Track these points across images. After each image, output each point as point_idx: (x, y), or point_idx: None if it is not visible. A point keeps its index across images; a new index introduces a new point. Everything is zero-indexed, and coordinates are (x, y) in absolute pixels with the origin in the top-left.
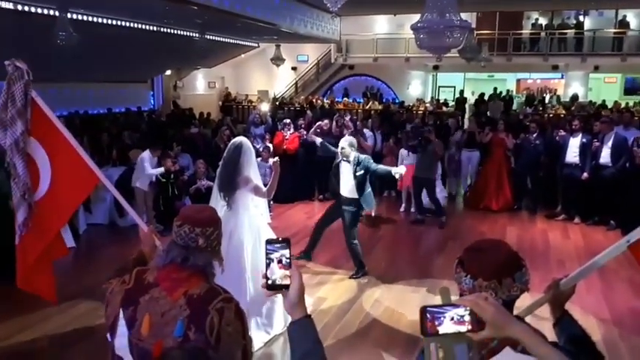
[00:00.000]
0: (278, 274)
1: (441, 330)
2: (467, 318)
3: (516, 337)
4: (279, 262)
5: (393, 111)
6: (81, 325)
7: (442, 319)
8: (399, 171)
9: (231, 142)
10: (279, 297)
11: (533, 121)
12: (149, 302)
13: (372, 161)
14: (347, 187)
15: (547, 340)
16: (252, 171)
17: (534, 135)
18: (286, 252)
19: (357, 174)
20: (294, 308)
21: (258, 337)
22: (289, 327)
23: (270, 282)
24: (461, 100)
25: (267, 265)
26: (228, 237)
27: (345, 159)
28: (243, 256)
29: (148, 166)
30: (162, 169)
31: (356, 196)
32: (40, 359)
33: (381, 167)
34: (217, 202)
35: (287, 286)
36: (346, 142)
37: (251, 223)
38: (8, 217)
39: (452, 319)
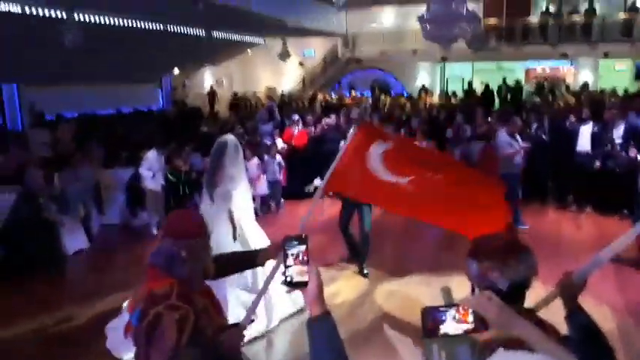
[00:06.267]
0: (296, 270)
1: (443, 331)
2: (470, 318)
3: (521, 335)
4: (297, 258)
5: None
6: (98, 324)
7: (444, 319)
8: None
9: (217, 140)
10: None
11: (531, 110)
12: (138, 287)
13: None
14: None
15: (559, 334)
16: (236, 169)
17: (535, 125)
18: (304, 249)
19: None
20: (313, 304)
21: None
22: (308, 323)
23: (288, 279)
24: (470, 92)
25: (285, 262)
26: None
27: None
28: (222, 247)
29: (144, 170)
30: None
31: None
32: (55, 353)
33: None
34: (205, 198)
35: (306, 283)
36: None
37: (233, 218)
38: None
39: (454, 319)
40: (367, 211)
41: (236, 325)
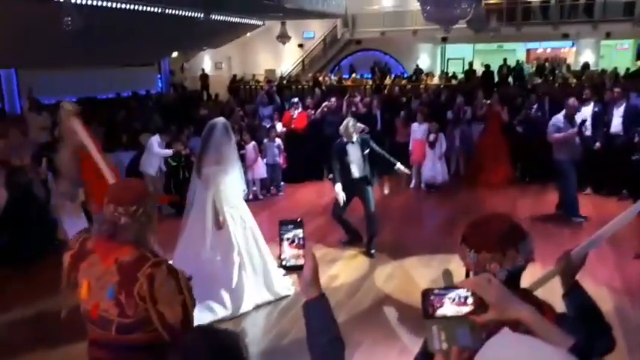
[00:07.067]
0: (291, 254)
1: (443, 312)
2: (469, 300)
3: (520, 318)
4: (292, 242)
5: (393, 94)
6: None
7: (444, 301)
8: (401, 168)
9: (209, 122)
10: (234, 278)
11: (531, 92)
12: (87, 268)
13: (372, 142)
14: (358, 167)
15: (556, 312)
16: (225, 152)
17: (534, 107)
18: (299, 232)
19: (365, 153)
20: (309, 287)
21: (202, 317)
22: (304, 306)
23: (284, 262)
24: (471, 73)
25: (280, 246)
26: (196, 210)
27: (347, 140)
28: (205, 229)
29: (158, 147)
30: (170, 151)
31: (366, 173)
32: (54, 338)
33: (383, 152)
34: (194, 180)
35: (301, 266)
36: (350, 122)
37: (215, 204)
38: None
39: (454, 301)
40: (370, 193)
41: None
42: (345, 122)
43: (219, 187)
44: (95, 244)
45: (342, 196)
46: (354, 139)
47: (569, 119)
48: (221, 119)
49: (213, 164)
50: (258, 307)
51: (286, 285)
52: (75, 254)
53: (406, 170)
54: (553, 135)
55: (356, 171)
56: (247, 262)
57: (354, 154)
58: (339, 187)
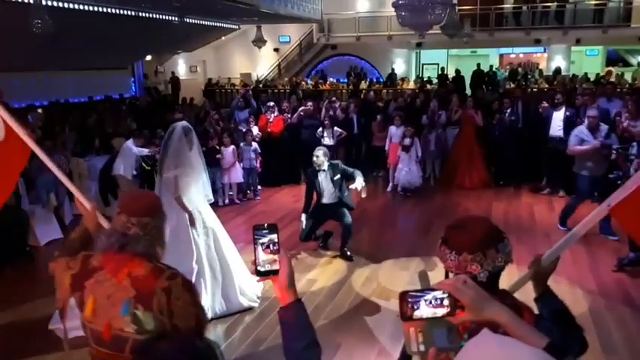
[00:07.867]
0: (266, 259)
1: (420, 314)
2: (446, 302)
3: (496, 319)
4: (267, 247)
5: (369, 98)
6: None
7: (420, 303)
8: (357, 185)
9: (170, 126)
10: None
11: (505, 97)
12: (94, 285)
13: (342, 165)
14: (328, 194)
15: (533, 313)
16: (185, 157)
17: (508, 111)
18: (274, 237)
19: (335, 179)
20: (284, 293)
21: None
22: (280, 311)
23: (258, 268)
24: (444, 78)
25: (255, 252)
26: None
27: (318, 168)
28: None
29: (135, 148)
30: (147, 150)
31: (337, 198)
32: (34, 346)
33: (354, 171)
34: (157, 184)
35: (276, 271)
36: (320, 151)
37: (183, 205)
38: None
39: (430, 303)
40: (344, 212)
41: None
42: (315, 152)
43: (185, 193)
44: (103, 259)
45: (303, 224)
46: (325, 167)
47: (593, 131)
48: (182, 123)
49: (172, 168)
50: (217, 317)
51: (252, 297)
52: (77, 274)
53: (364, 194)
54: (574, 147)
55: (326, 198)
56: (207, 270)
57: (324, 181)
58: (304, 216)
